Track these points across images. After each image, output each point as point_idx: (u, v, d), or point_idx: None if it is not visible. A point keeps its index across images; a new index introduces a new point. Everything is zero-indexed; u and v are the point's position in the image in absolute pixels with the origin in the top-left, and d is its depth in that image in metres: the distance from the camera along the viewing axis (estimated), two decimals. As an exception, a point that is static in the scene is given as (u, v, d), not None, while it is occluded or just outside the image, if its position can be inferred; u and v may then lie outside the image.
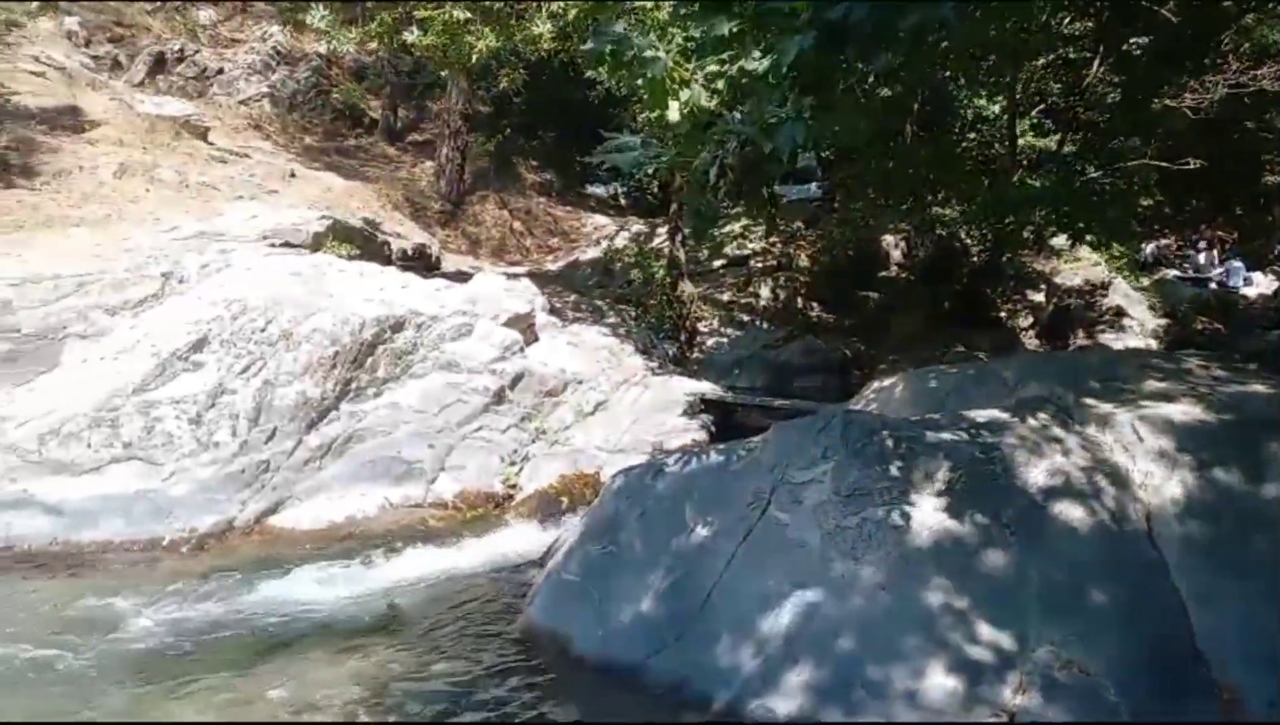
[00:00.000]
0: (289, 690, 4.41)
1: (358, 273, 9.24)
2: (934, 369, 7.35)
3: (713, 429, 9.30)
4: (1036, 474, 4.47)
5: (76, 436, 6.82)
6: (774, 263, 15.22)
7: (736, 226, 16.03)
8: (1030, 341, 14.15)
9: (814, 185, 17.58)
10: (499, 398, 8.49)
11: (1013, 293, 14.97)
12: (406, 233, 13.59)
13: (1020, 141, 13.53)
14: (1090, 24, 12.06)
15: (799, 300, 14.42)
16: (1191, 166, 12.32)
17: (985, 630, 3.89)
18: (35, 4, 13.43)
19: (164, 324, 7.87)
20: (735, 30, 3.68)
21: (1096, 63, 12.46)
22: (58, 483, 6.55)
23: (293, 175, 13.80)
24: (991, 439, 4.74)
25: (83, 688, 4.40)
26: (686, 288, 13.21)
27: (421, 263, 12.54)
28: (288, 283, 8.47)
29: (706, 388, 10.23)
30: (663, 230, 15.12)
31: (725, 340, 13.09)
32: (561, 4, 10.82)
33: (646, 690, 4.25)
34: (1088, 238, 12.72)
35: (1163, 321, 15.05)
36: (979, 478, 4.50)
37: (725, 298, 14.41)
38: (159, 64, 16.41)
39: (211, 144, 13.60)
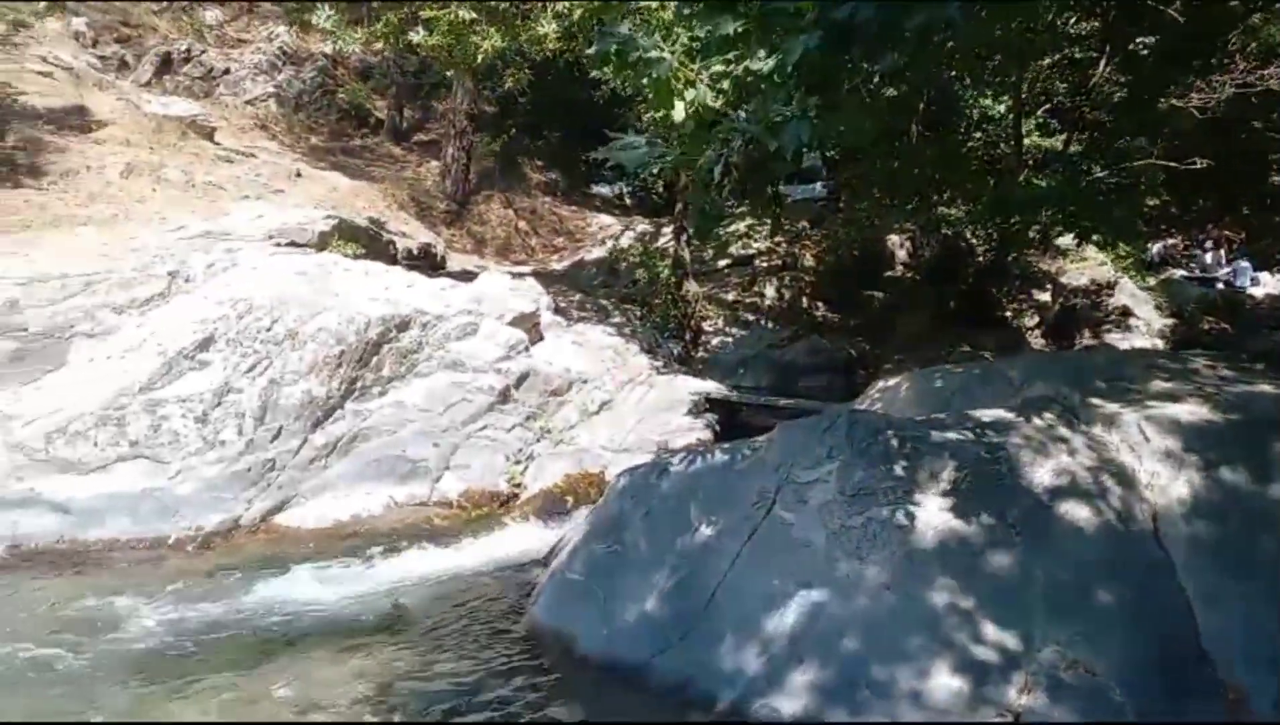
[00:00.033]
0: (293, 689, 4.42)
1: (363, 272, 9.26)
2: (939, 369, 7.34)
3: (717, 428, 9.31)
4: (1042, 474, 4.46)
5: (83, 435, 6.85)
6: (779, 262, 15.20)
7: (741, 226, 16.01)
8: (1036, 341, 14.11)
9: (819, 185, 17.55)
10: (504, 397, 8.49)
11: (1018, 292, 14.92)
12: (412, 232, 13.62)
13: (1026, 141, 13.48)
14: (1096, 23, 12.02)
15: (804, 300, 14.40)
16: (1198, 166, 12.26)
17: (990, 630, 3.89)
18: (43, 4, 13.47)
19: (170, 323, 7.89)
20: (740, 30, 3.68)
21: (1103, 62, 12.40)
22: (64, 481, 6.58)
23: (298, 175, 13.83)
24: (997, 439, 4.74)
25: (86, 687, 4.41)
26: (691, 287, 13.20)
27: (427, 262, 12.56)
28: (293, 282, 8.49)
29: (711, 387, 10.23)
30: (668, 230, 15.11)
31: (730, 340, 13.07)
32: (567, 4, 10.82)
33: (651, 690, 4.26)
34: (1094, 237, 12.69)
35: (1169, 321, 14.98)
36: (984, 477, 4.49)
37: (730, 297, 14.39)
38: (166, 64, 16.45)
39: (218, 144, 13.63)
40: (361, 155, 17.23)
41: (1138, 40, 11.58)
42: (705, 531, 4.79)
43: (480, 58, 11.55)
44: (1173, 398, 4.97)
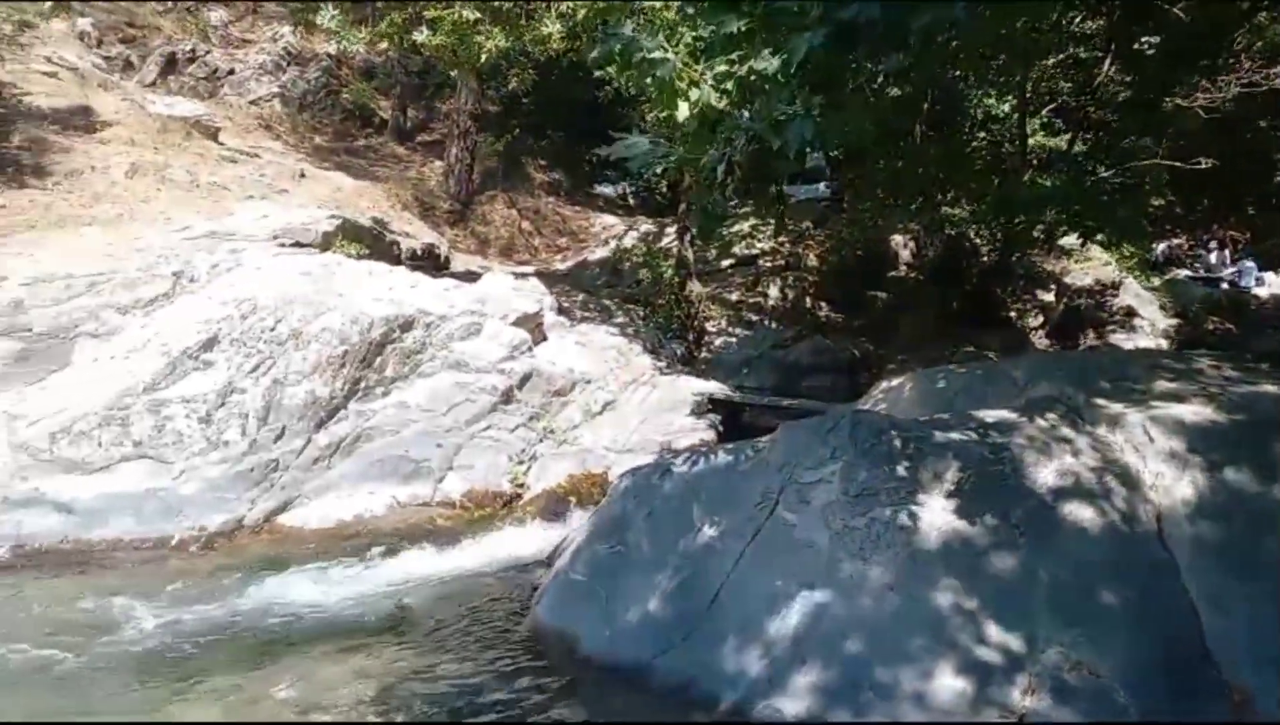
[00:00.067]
0: (296, 689, 4.42)
1: (367, 272, 9.27)
2: (943, 369, 7.32)
3: (720, 429, 9.30)
4: (1046, 474, 4.45)
5: (87, 435, 6.86)
6: (782, 262, 15.18)
7: (745, 226, 16.00)
8: (1040, 341, 14.09)
9: (823, 185, 17.53)
10: (507, 397, 8.50)
11: (1022, 293, 14.91)
12: (415, 232, 13.62)
13: (1031, 141, 13.48)
14: (1101, 23, 12.00)
15: (807, 300, 14.38)
16: (1203, 166, 12.26)
17: (994, 631, 3.88)
18: (48, 5, 13.50)
19: (174, 323, 7.90)
20: (744, 28, 3.67)
21: (1107, 62, 12.39)
22: (69, 481, 6.59)
23: (303, 175, 13.85)
24: (1001, 439, 4.72)
25: (88, 687, 4.42)
26: (695, 287, 13.20)
27: (430, 262, 12.57)
28: (297, 282, 8.50)
29: (714, 387, 10.22)
30: (671, 230, 15.11)
31: (733, 340, 13.06)
32: (571, 4, 10.82)
33: (653, 690, 4.25)
34: (1098, 237, 12.68)
35: (1174, 321, 14.96)
36: (988, 478, 4.48)
37: (734, 297, 14.38)
38: (170, 64, 16.49)
39: (222, 144, 13.66)
40: (365, 155, 17.25)
41: (1143, 40, 11.55)
42: (708, 532, 4.78)
43: (484, 57, 11.57)
44: (1177, 398, 4.96)
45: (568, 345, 10.09)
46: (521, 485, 7.90)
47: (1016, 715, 3.63)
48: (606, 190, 19.74)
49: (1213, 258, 17.49)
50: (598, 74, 11.96)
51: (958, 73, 12.66)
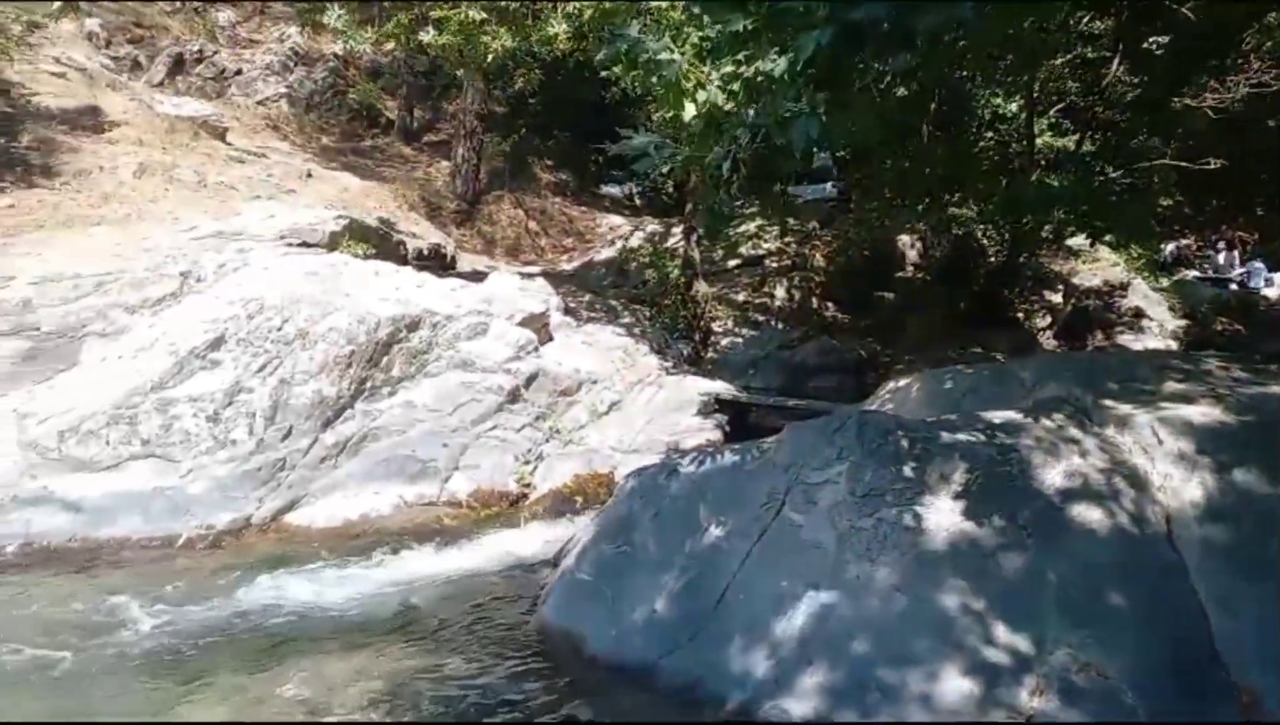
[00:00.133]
0: (303, 688, 4.43)
1: (373, 272, 9.28)
2: (950, 369, 7.31)
3: (727, 429, 9.29)
4: (1054, 475, 4.44)
5: (95, 434, 6.88)
6: (789, 263, 15.17)
7: (751, 226, 16.00)
8: (1048, 342, 14.05)
9: (830, 185, 17.52)
10: (513, 397, 8.50)
11: (1030, 293, 14.87)
12: (422, 232, 13.64)
13: (1038, 141, 13.44)
14: (1109, 23, 11.96)
15: (814, 300, 14.37)
16: (1212, 166, 12.21)
17: (1002, 632, 3.86)
18: (57, 6, 13.54)
19: (182, 323, 7.93)
20: (750, 28, 3.67)
21: (1115, 62, 12.34)
22: (77, 480, 6.62)
23: (309, 175, 13.87)
24: (1008, 440, 4.71)
25: (93, 686, 4.43)
26: (701, 287, 13.19)
27: (437, 262, 12.58)
28: (304, 282, 8.52)
29: (721, 388, 10.21)
30: (678, 230, 15.11)
31: (740, 340, 13.06)
32: (577, 4, 10.82)
33: (659, 690, 4.25)
34: (1107, 238, 12.64)
35: (1182, 322, 14.90)
36: (995, 479, 4.47)
37: (740, 298, 14.38)
38: (178, 65, 16.55)
39: (229, 144, 13.70)
40: (372, 155, 17.28)
41: (1151, 40, 11.50)
42: (714, 532, 4.78)
43: (490, 58, 11.57)
44: (1186, 399, 4.93)
45: (574, 345, 10.09)
46: (528, 485, 7.91)
47: (1024, 716, 3.62)
48: (613, 190, 19.73)
49: (1221, 258, 17.42)
50: (604, 74, 11.93)
51: (965, 72, 12.64)
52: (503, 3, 11.30)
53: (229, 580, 5.78)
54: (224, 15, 18.67)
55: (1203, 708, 3.65)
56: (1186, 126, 12.42)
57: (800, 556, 4.44)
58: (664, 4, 8.16)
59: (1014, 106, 13.91)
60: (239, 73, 17.32)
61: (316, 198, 12.71)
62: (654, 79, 4.28)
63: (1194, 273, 17.28)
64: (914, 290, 14.56)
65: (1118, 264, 15.26)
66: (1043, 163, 13.41)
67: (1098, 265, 15.25)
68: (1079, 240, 13.96)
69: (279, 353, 7.68)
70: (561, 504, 7.52)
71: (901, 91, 10.22)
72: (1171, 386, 5.24)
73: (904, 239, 15.39)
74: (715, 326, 13.28)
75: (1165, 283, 16.13)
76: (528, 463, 8.08)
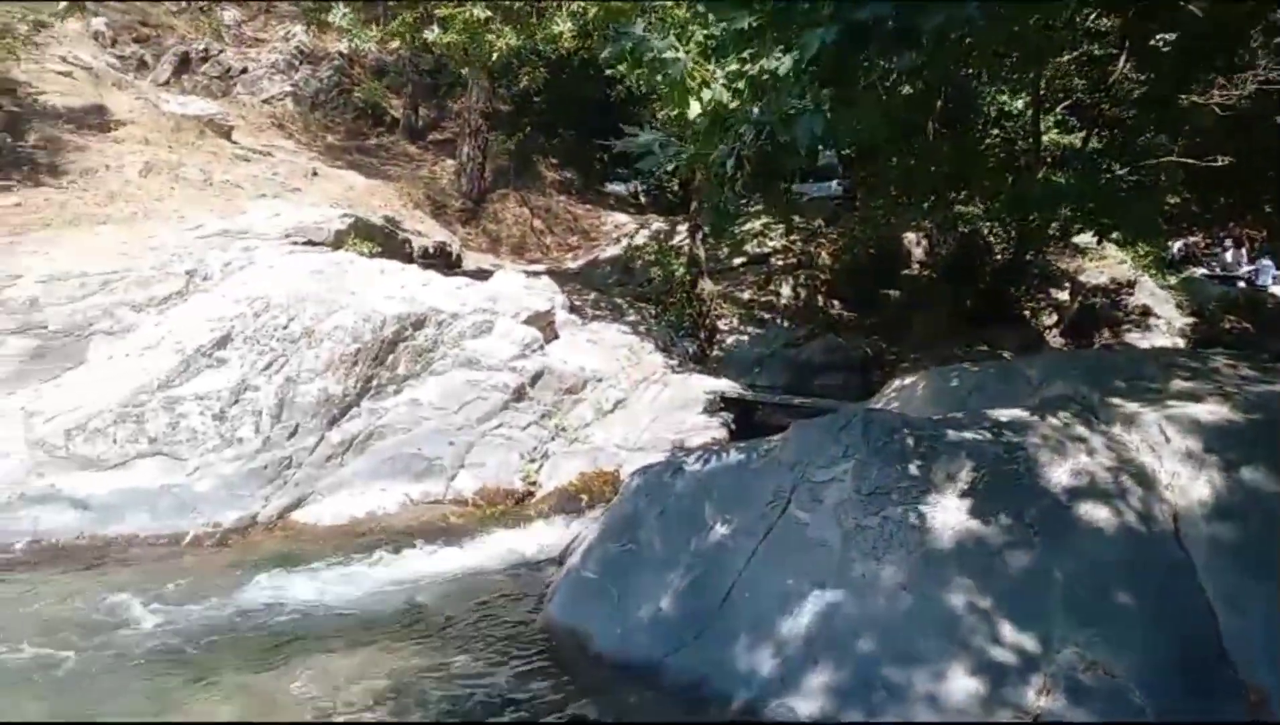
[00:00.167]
0: (309, 686, 4.44)
1: (379, 270, 9.29)
2: (956, 367, 7.29)
3: (733, 427, 9.29)
4: (1061, 474, 4.43)
5: (103, 432, 6.90)
6: (795, 261, 15.14)
7: (757, 224, 15.96)
8: (1055, 340, 14.02)
9: (835, 183, 17.48)
10: (519, 395, 8.51)
11: (1037, 291, 14.83)
12: (427, 231, 13.65)
13: (1044, 138, 13.38)
14: (1116, 20, 11.91)
15: (820, 298, 14.34)
16: (1219, 163, 12.16)
17: (1008, 631, 3.86)
18: (63, 5, 13.57)
19: (188, 321, 7.94)
20: (756, 25, 3.66)
21: (1122, 59, 12.30)
22: (84, 478, 6.64)
23: (315, 174, 13.89)
24: (1015, 438, 4.70)
25: (100, 683, 4.44)
26: (706, 285, 13.18)
27: (442, 260, 12.59)
28: (310, 280, 8.53)
29: (726, 386, 10.21)
30: (683, 228, 15.08)
31: (745, 338, 13.03)
32: (581, 3, 10.81)
33: (665, 688, 4.25)
34: (1113, 235, 12.59)
35: (1190, 320, 14.86)
36: (1002, 477, 4.46)
37: (746, 296, 14.35)
38: (184, 64, 16.58)
39: (235, 143, 13.71)
40: (377, 154, 17.29)
41: (1157, 36, 11.46)
42: (720, 530, 4.78)
43: (495, 56, 11.57)
44: (1193, 397, 4.92)
45: (579, 343, 10.09)
46: (533, 483, 7.92)
47: (1031, 716, 3.61)
48: (618, 188, 19.72)
49: (1229, 256, 17.38)
50: (609, 72, 11.93)
51: (971, 70, 12.61)
52: (507, 1, 11.30)
53: (235, 578, 5.80)
54: (229, 14, 18.70)
55: (1210, 707, 3.64)
56: (1194, 124, 12.36)
57: (806, 555, 4.43)
58: (669, 2, 8.16)
59: (1020, 104, 13.85)
60: (244, 71, 17.35)
61: (322, 196, 12.72)
62: (659, 77, 4.28)
63: (1201, 270, 17.25)
64: (920, 288, 14.52)
65: (1125, 261, 15.21)
66: (1049, 160, 13.36)
67: (1104, 263, 15.21)
68: (1086, 238, 13.92)
69: (285, 351, 7.70)
70: (567, 502, 7.53)
71: (907, 89, 10.21)
72: (1179, 384, 5.22)
73: (909, 237, 15.35)
74: (720, 324, 13.26)
75: (1172, 280, 16.08)
76: (533, 461, 8.09)
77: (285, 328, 7.84)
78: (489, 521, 7.19)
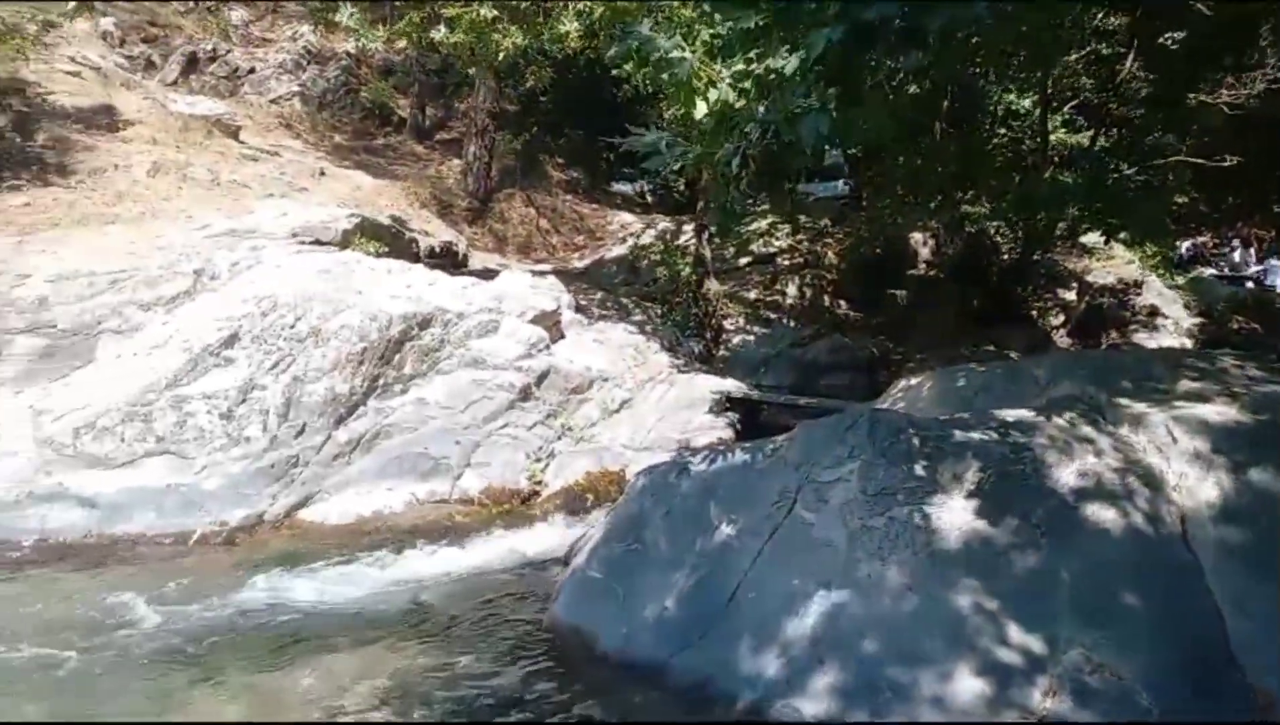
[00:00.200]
0: (314, 685, 4.45)
1: (386, 270, 9.31)
2: (963, 367, 7.27)
3: (738, 427, 9.28)
4: (1068, 475, 4.41)
5: (110, 431, 6.93)
6: (801, 260, 15.13)
7: (763, 224, 15.96)
8: (1062, 340, 13.99)
9: (841, 182, 17.45)
10: (525, 394, 8.51)
11: (1044, 291, 14.79)
12: (434, 230, 13.67)
13: (1052, 137, 13.34)
14: (1123, 19, 11.87)
15: (826, 298, 14.33)
16: (1228, 163, 12.11)
17: (1014, 633, 3.85)
18: (72, 5, 13.62)
19: (196, 320, 7.97)
20: (762, 25, 3.66)
21: (1130, 58, 12.26)
22: (92, 476, 6.67)
23: (322, 173, 13.93)
24: (1021, 439, 4.68)
25: (105, 682, 4.45)
26: (712, 285, 13.17)
27: (449, 260, 12.60)
28: (317, 280, 8.56)
29: (732, 386, 10.20)
30: (689, 228, 15.08)
31: (751, 338, 13.03)
32: (588, 2, 10.81)
33: (670, 689, 4.25)
34: (1121, 235, 12.56)
35: (1198, 320, 14.80)
36: (1008, 478, 4.45)
37: (752, 295, 14.34)
38: (192, 64, 16.63)
39: (243, 142, 13.76)
40: (384, 153, 17.32)
41: (1166, 35, 11.41)
42: (725, 531, 4.77)
43: (502, 56, 11.57)
44: (1201, 398, 4.90)
45: (585, 343, 10.10)
46: (539, 482, 7.93)
47: (1037, 717, 3.60)
48: (624, 188, 19.71)
49: (1237, 256, 17.33)
50: (615, 72, 11.92)
51: (978, 69, 12.57)
52: (514, 1, 11.31)
53: (242, 577, 5.81)
54: (237, 14, 18.75)
55: (1218, 709, 3.63)
56: (1202, 123, 12.31)
57: (812, 555, 4.43)
58: (675, 2, 8.15)
59: (1027, 103, 13.80)
60: (252, 71, 17.40)
61: (329, 196, 12.75)
62: (665, 76, 4.27)
63: (1210, 270, 17.19)
64: (926, 288, 14.50)
65: (1132, 261, 15.17)
66: (1056, 160, 13.33)
67: (1112, 263, 15.17)
68: (1093, 237, 13.89)
69: (292, 350, 7.72)
70: (573, 502, 7.53)
71: (913, 88, 10.18)
72: (1187, 385, 5.20)
73: (916, 236, 15.33)
74: (726, 324, 13.26)
75: (1180, 280, 16.02)
76: (539, 460, 8.10)
77: (292, 327, 7.86)
78: (494, 521, 7.20)
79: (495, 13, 11.02)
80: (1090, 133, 13.73)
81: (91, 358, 7.77)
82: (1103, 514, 4.19)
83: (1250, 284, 16.53)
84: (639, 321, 12.00)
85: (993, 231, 14.47)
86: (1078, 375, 5.69)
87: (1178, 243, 16.58)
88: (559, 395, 8.84)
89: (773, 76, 4.00)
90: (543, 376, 8.80)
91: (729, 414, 9.51)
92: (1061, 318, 14.46)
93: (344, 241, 10.47)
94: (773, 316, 13.74)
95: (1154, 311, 14.46)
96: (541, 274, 12.23)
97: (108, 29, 15.82)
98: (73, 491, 6.53)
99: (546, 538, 6.83)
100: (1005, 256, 14.52)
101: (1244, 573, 3.96)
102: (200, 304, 8.31)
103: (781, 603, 4.29)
